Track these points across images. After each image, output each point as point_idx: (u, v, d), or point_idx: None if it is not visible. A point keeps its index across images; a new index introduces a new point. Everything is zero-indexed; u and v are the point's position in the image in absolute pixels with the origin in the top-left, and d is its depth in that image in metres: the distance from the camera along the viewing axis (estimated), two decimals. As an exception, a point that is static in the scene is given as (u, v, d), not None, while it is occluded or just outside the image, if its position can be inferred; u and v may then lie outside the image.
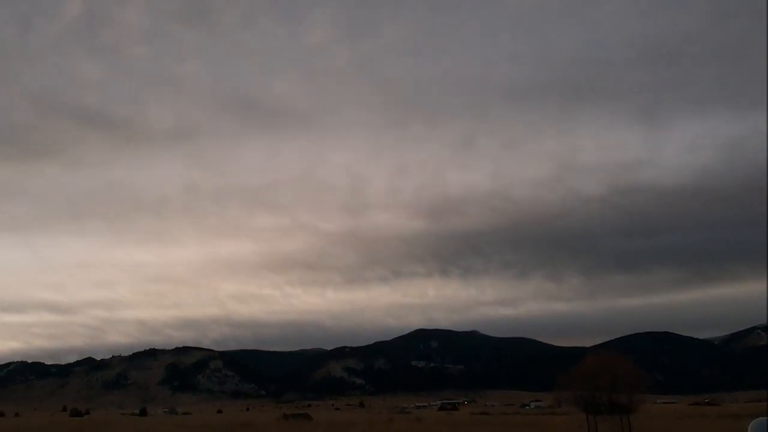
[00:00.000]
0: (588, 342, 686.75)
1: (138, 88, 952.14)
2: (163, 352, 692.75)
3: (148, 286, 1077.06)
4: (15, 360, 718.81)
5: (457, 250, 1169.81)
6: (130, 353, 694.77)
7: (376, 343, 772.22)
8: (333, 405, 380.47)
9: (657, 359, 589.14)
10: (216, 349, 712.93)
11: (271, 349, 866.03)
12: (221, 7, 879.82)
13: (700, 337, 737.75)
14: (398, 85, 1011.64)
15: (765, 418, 28.88)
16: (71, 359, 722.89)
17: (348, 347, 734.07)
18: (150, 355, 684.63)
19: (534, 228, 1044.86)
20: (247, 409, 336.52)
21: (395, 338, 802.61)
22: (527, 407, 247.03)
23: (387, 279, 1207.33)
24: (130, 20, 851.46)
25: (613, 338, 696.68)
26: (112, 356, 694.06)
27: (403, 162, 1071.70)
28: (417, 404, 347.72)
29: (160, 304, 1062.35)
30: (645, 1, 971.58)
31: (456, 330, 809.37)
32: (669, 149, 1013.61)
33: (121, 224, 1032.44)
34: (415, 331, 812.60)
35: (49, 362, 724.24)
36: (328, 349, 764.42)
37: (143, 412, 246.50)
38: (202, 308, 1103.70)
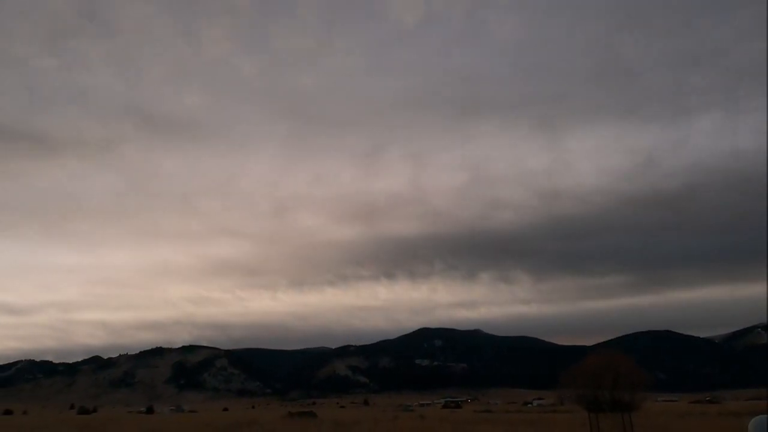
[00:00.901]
0: (590, 341, 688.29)
1: (50, 99, 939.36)
2: (170, 350, 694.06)
3: (96, 288, 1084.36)
4: (23, 358, 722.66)
5: (396, 254, 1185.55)
6: (137, 352, 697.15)
7: (380, 341, 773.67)
8: (338, 403, 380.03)
9: (659, 358, 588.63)
10: (222, 348, 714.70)
11: (276, 348, 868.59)
12: (121, 19, 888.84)
13: (701, 336, 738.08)
14: (303, 96, 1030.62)
15: (765, 416, 28.81)
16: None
17: (352, 346, 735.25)
18: (157, 353, 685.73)
19: (463, 232, 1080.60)
20: (253, 407, 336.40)
21: (399, 337, 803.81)
22: (530, 405, 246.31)
23: (334, 282, 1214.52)
24: (34, 32, 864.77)
25: (615, 337, 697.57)
26: (119, 355, 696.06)
27: (318, 171, 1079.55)
28: (421, 402, 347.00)
29: (112, 306, 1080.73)
30: (541, 17, 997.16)
31: (459, 329, 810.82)
32: (572, 157, 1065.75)
33: (56, 229, 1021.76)
34: (419, 329, 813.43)
35: (56, 360, 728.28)
36: (333, 347, 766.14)
37: (150, 410, 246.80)
38: (157, 310, 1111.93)
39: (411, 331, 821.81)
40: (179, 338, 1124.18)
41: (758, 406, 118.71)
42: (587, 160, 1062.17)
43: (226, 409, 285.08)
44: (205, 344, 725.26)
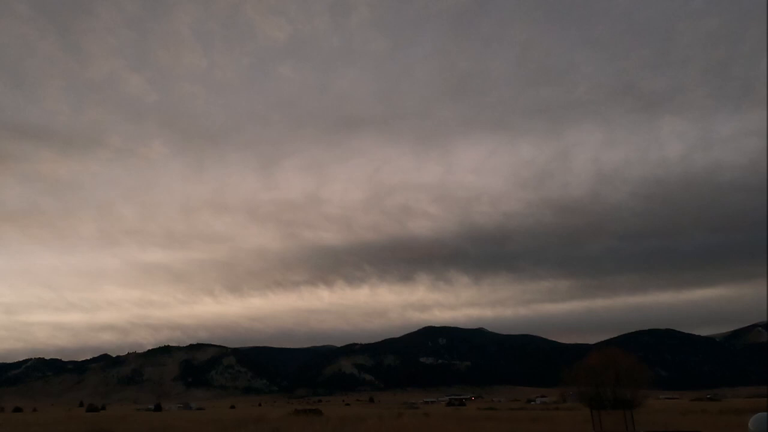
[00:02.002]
0: (592, 339, 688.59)
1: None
2: (178, 348, 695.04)
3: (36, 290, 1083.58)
4: (33, 357, 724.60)
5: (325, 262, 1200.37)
6: (146, 350, 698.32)
7: (385, 340, 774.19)
8: (343, 400, 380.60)
9: (660, 356, 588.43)
10: (229, 346, 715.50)
11: (283, 346, 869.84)
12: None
13: (702, 335, 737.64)
14: (195, 115, 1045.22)
15: (765, 413, 28.87)
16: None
17: (358, 344, 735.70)
18: (165, 351, 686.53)
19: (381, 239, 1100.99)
20: (260, 405, 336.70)
21: (404, 335, 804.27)
22: (533, 403, 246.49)
23: (270, 287, 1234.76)
24: None
25: (617, 335, 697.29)
26: (128, 353, 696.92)
27: (222, 184, 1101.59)
28: (425, 400, 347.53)
29: (55, 308, 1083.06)
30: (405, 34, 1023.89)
31: (463, 327, 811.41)
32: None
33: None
34: (424, 328, 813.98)
35: (66, 359, 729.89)
36: (339, 345, 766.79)
37: (158, 408, 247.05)
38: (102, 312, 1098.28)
39: (416, 329, 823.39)
40: (138, 339, 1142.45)
41: (758, 403, 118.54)
42: (471, 171, 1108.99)
43: (233, 407, 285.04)
44: (212, 342, 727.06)
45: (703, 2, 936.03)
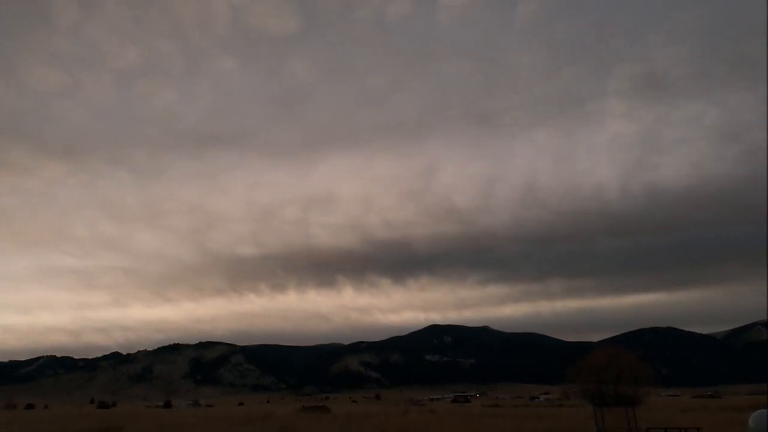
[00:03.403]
0: (595, 337, 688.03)
1: None
2: (187, 346, 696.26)
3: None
4: (44, 354, 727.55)
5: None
6: (155, 348, 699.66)
7: (391, 338, 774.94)
8: (350, 398, 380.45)
9: (661, 353, 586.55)
10: (238, 344, 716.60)
11: (291, 344, 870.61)
12: None
13: (703, 333, 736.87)
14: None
15: (765, 410, 28.95)
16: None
17: (364, 342, 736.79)
18: (174, 349, 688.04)
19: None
20: (268, 402, 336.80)
21: (410, 333, 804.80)
22: (537, 400, 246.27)
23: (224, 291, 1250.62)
24: None
25: (619, 333, 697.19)
26: (138, 351, 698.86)
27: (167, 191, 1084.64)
28: (431, 397, 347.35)
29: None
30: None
31: (468, 326, 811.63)
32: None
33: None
34: (429, 326, 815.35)
35: (77, 356, 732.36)
36: (345, 344, 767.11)
37: (168, 405, 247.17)
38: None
39: (421, 327, 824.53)
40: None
41: (758, 400, 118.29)
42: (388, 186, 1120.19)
43: (241, 404, 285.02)
44: (221, 340, 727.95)
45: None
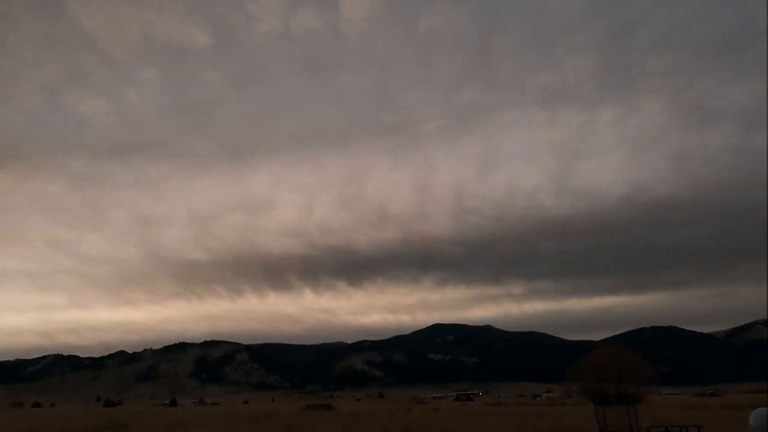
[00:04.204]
0: (596, 336, 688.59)
1: None
2: (192, 345, 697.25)
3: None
4: (51, 353, 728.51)
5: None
6: (161, 346, 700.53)
7: (394, 337, 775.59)
8: (354, 396, 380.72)
9: (662, 352, 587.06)
10: (242, 343, 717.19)
11: (295, 343, 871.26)
12: None
13: (704, 332, 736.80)
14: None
15: (765, 408, 29.02)
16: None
17: (368, 341, 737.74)
18: (180, 348, 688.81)
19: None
20: (272, 400, 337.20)
21: (413, 332, 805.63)
22: (539, 398, 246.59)
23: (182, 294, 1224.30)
24: None
25: (621, 332, 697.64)
26: (144, 349, 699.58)
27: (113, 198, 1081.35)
28: (434, 395, 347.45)
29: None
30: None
31: (471, 325, 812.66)
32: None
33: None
34: (432, 325, 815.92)
35: (83, 355, 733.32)
36: (349, 342, 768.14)
37: (173, 403, 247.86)
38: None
39: (424, 327, 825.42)
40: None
41: (758, 399, 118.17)
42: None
43: (246, 402, 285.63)
44: (226, 339, 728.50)
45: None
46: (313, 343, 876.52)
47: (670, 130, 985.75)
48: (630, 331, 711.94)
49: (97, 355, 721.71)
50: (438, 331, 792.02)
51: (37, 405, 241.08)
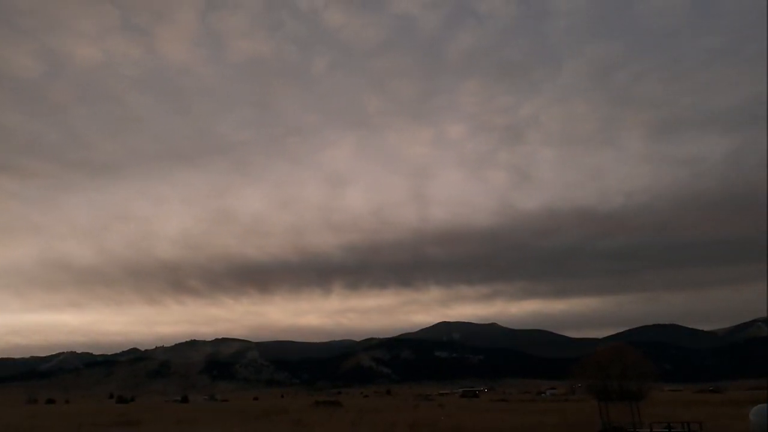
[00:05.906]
0: (600, 334, 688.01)
1: None
2: (204, 342, 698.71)
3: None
4: (65, 351, 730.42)
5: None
6: (173, 344, 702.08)
7: (402, 334, 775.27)
8: (362, 393, 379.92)
9: (664, 349, 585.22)
10: (252, 340, 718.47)
11: (304, 341, 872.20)
12: None
13: (705, 329, 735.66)
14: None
15: (765, 404, 28.95)
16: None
17: (376, 339, 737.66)
18: (191, 345, 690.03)
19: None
20: (282, 397, 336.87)
21: (420, 330, 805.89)
22: (543, 395, 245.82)
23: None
24: None
25: (624, 330, 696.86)
26: (156, 347, 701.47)
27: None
28: (440, 392, 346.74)
29: None
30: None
31: (477, 322, 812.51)
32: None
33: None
34: (439, 323, 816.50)
35: (96, 352, 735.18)
36: (357, 340, 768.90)
37: (185, 399, 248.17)
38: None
39: (431, 324, 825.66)
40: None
41: (759, 395, 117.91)
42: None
43: (256, 399, 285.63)
44: (236, 337, 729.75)
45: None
46: (322, 341, 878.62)
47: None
48: (633, 329, 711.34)
49: (110, 353, 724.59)
50: (444, 328, 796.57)
51: (51, 401, 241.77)
